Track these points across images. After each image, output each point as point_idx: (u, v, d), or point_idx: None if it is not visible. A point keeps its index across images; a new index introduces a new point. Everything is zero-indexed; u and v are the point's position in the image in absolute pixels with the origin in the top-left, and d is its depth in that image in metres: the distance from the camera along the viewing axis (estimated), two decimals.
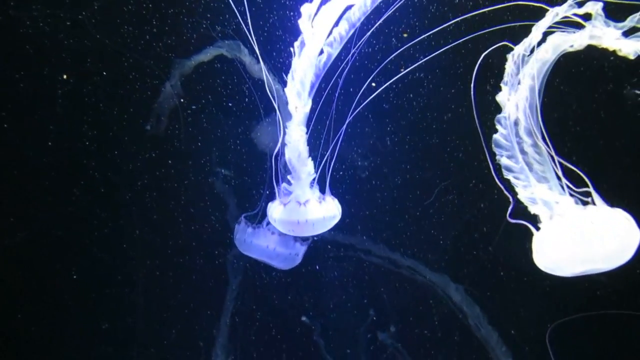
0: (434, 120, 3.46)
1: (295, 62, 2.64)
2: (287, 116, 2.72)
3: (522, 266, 3.45)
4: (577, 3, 2.38)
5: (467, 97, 2.78)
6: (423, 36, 2.97)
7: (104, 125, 3.50)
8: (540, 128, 2.44)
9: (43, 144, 3.47)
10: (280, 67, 3.09)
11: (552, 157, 2.43)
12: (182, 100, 3.46)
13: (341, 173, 3.51)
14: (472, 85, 2.70)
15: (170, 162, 3.62)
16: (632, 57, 2.29)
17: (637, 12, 2.33)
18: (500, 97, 2.49)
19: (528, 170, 2.43)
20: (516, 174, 2.45)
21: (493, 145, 2.48)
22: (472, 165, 3.37)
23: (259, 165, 3.56)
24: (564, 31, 2.43)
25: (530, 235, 2.52)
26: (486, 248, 3.59)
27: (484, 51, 2.67)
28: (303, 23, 2.56)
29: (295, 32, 2.61)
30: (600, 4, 2.31)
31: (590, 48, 2.44)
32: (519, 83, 2.47)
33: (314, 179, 2.90)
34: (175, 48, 3.34)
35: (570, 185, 2.40)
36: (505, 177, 2.48)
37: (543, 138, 2.44)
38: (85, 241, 3.72)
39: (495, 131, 2.50)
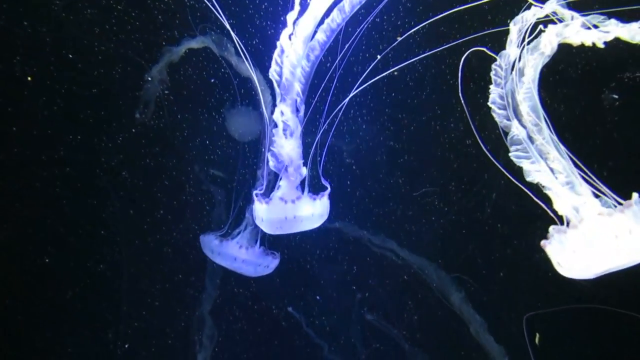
0: (423, 111, 3.56)
1: (284, 71, 2.66)
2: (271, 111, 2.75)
3: (517, 257, 3.51)
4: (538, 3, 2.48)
5: (455, 88, 2.82)
6: (411, 31, 3.04)
7: (79, 112, 3.55)
8: (554, 139, 2.45)
9: (17, 131, 3.52)
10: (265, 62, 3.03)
11: (572, 160, 2.43)
12: (166, 87, 3.53)
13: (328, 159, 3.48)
14: (459, 71, 2.77)
15: (151, 144, 3.67)
16: (601, 45, 2.36)
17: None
18: (503, 123, 2.50)
19: (552, 174, 2.41)
20: (540, 175, 2.43)
21: (513, 158, 2.48)
22: (461, 153, 3.49)
23: (243, 154, 3.62)
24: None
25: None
26: (477, 242, 3.66)
27: (475, 43, 2.74)
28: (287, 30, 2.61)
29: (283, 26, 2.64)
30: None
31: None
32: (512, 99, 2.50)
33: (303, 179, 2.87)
34: (156, 37, 3.42)
35: (599, 185, 2.37)
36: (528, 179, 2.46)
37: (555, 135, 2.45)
38: (57, 224, 3.75)
39: (494, 128, 2.54)
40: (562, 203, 2.35)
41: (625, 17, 2.38)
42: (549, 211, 2.38)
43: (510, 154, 2.47)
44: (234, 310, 4.04)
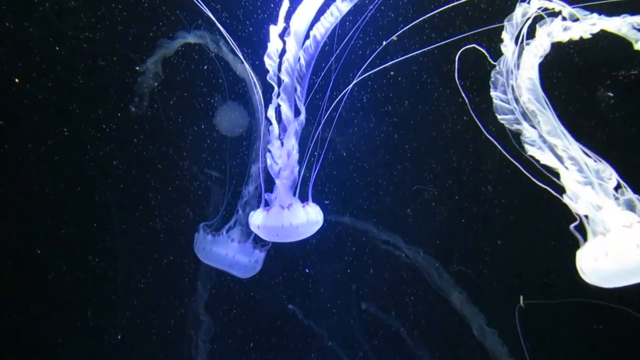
0: (423, 101, 3.58)
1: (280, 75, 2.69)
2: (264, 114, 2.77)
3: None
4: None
5: (449, 83, 2.85)
6: (402, 29, 3.09)
7: (67, 103, 3.57)
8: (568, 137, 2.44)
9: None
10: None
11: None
12: (160, 80, 3.56)
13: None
14: (456, 62, 2.80)
15: (143, 133, 3.69)
16: (588, 36, 2.38)
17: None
18: (513, 127, 2.49)
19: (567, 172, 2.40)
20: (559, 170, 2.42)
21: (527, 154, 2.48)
22: (463, 144, 3.51)
23: (234, 149, 3.64)
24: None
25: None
26: (476, 235, 3.66)
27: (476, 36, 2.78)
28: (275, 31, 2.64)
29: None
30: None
31: None
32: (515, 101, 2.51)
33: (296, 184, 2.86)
34: (144, 30, 3.45)
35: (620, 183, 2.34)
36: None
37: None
38: (47, 216, 3.77)
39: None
40: (580, 202, 2.34)
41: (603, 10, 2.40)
42: (561, 199, 2.37)
43: (527, 153, 2.46)
44: (231, 305, 4.05)
